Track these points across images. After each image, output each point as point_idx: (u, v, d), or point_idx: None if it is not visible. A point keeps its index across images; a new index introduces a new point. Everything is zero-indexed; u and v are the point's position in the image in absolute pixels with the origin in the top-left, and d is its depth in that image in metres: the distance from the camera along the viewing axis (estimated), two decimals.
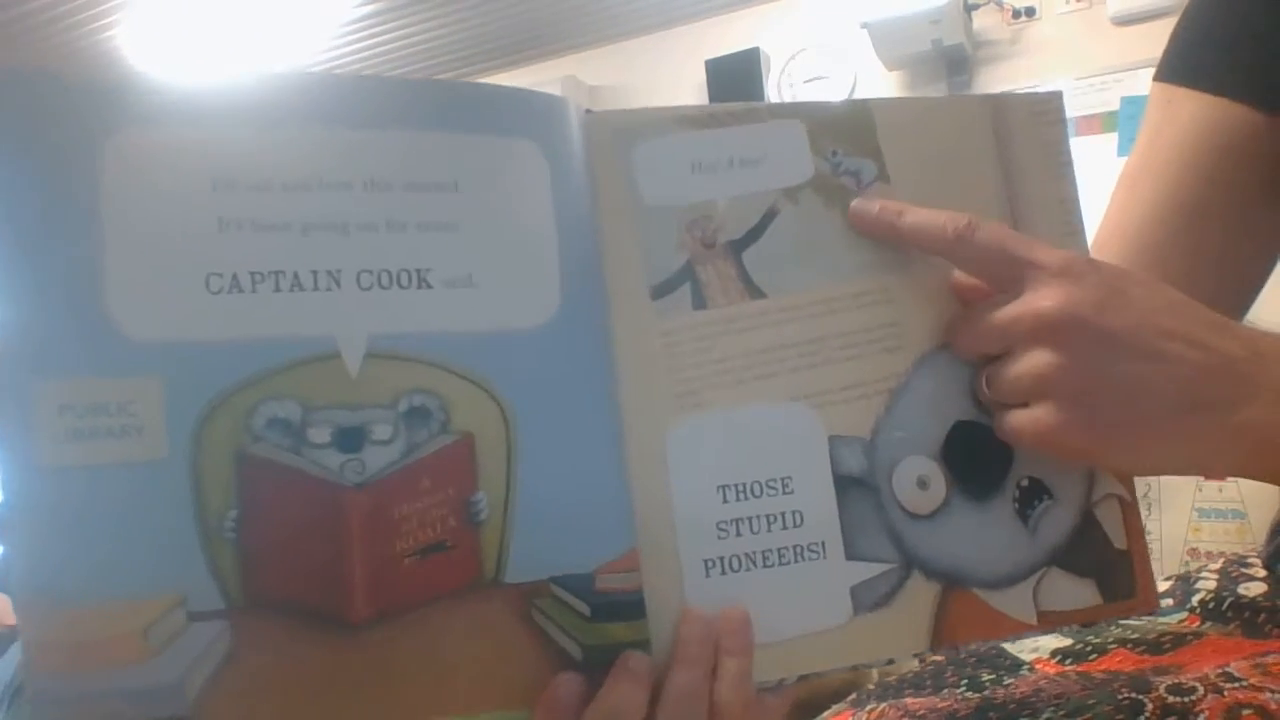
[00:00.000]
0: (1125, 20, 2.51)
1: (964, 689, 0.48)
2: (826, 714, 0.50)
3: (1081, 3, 2.58)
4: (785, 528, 0.39)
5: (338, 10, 2.84)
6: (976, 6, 2.60)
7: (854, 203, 0.41)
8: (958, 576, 0.41)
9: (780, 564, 0.39)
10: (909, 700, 0.47)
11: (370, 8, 2.85)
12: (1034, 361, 0.38)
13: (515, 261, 0.37)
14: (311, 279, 0.34)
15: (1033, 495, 0.42)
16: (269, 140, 0.35)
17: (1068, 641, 0.52)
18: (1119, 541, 0.43)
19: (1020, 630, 0.41)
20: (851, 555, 0.40)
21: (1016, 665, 0.51)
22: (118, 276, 0.32)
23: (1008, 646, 0.53)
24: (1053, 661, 0.50)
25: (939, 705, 0.45)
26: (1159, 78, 0.58)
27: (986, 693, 0.47)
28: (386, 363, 0.35)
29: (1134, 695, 0.39)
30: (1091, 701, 0.39)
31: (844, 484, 0.40)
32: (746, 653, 0.37)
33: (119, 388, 0.32)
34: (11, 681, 1.50)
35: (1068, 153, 0.44)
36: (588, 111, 0.40)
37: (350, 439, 0.34)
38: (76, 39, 2.88)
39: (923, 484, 0.41)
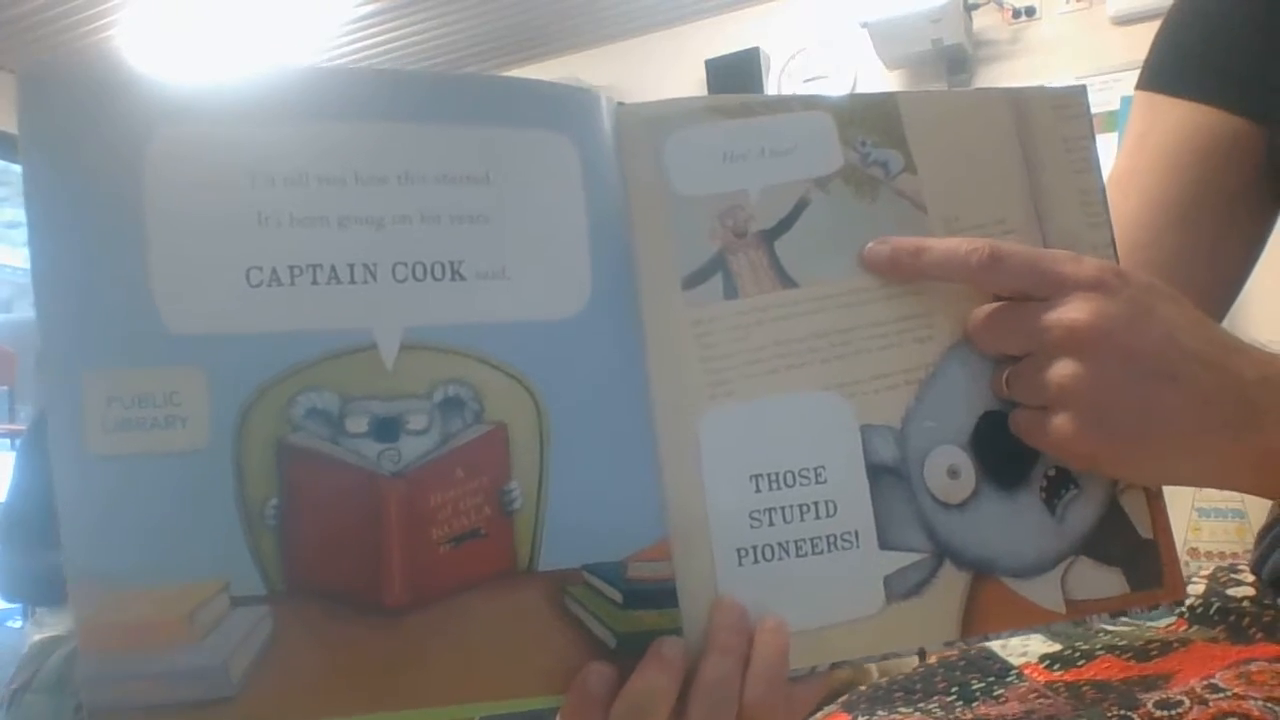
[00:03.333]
0: (1125, 20, 2.51)
1: (954, 697, 0.49)
2: (820, 715, 0.50)
3: (1081, 3, 2.59)
4: (819, 517, 0.39)
5: (338, 10, 2.84)
6: (976, 6, 2.61)
7: (867, 249, 0.41)
8: (987, 565, 0.41)
9: (814, 553, 0.39)
10: (899, 716, 0.47)
11: (370, 7, 2.85)
12: (1058, 370, 0.38)
13: (547, 253, 0.37)
14: (348, 272, 0.35)
15: (1059, 485, 0.42)
16: (305, 135, 0.35)
17: (1056, 647, 0.52)
18: (1145, 531, 0.43)
19: (1049, 620, 0.41)
20: (885, 545, 0.40)
21: (1005, 670, 0.51)
22: (162, 271, 0.33)
23: (996, 650, 0.53)
24: (1041, 667, 0.51)
25: None
26: (1141, 86, 0.60)
27: (977, 707, 0.47)
28: (421, 354, 0.35)
29: (1123, 713, 0.40)
30: None
31: (876, 473, 0.40)
32: (780, 641, 0.37)
33: (164, 379, 0.33)
34: (11, 681, 1.51)
35: (1092, 147, 0.44)
36: (619, 104, 0.40)
37: (386, 429, 0.35)
38: (74, 39, 2.88)
39: (953, 473, 0.41)
